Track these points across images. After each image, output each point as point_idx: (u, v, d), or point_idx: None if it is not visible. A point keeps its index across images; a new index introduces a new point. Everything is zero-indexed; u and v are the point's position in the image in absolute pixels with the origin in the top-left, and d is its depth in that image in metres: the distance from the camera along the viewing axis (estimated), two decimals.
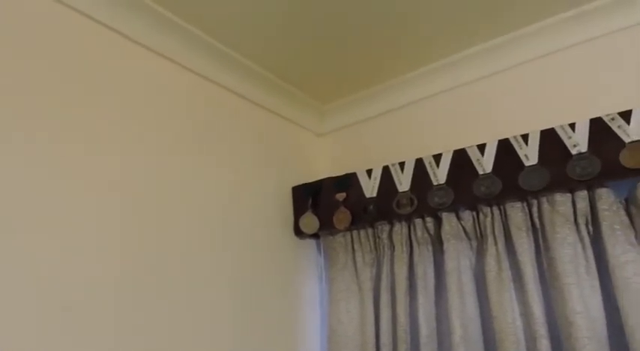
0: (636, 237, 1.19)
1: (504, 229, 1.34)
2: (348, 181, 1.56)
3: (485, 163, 1.34)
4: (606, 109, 1.23)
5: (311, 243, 1.71)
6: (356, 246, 1.57)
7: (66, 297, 1.02)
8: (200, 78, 1.47)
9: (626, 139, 1.17)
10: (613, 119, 1.20)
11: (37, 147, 1.04)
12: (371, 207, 1.49)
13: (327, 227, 1.57)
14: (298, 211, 1.63)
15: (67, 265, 1.03)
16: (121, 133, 1.22)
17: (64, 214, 1.06)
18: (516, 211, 1.32)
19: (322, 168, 1.85)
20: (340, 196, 1.55)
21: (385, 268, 1.50)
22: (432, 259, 1.44)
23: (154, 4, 1.29)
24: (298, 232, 1.62)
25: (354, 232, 1.57)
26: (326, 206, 1.58)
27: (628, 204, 1.22)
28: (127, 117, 1.24)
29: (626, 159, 1.16)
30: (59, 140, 1.09)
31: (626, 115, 1.18)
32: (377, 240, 1.54)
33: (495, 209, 1.35)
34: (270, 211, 1.60)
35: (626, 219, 1.21)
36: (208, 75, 1.49)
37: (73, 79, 1.15)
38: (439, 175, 1.40)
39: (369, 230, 1.56)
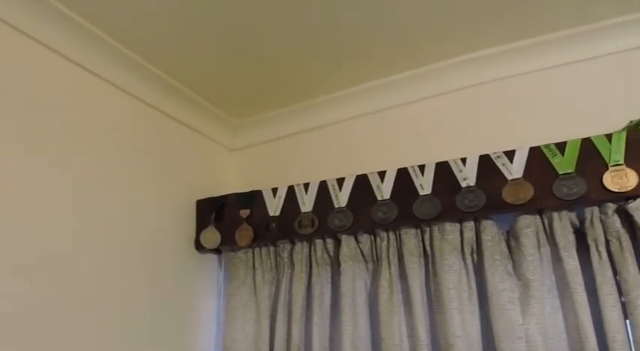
0: (513, 267, 1.29)
1: (398, 253, 1.39)
2: (253, 198, 1.56)
3: (384, 190, 1.40)
4: (497, 145, 1.33)
5: (212, 258, 1.69)
6: (257, 263, 1.57)
7: None
8: (107, 84, 1.42)
9: (509, 177, 1.27)
10: (499, 157, 1.30)
11: None
12: (273, 225, 1.50)
13: (228, 243, 1.56)
14: (201, 225, 1.61)
15: None
16: (15, 133, 1.15)
17: None
18: (410, 238, 1.38)
19: (232, 183, 1.84)
20: (244, 212, 1.55)
21: (284, 287, 1.51)
22: (329, 279, 1.48)
23: (68, 10, 1.25)
24: (199, 246, 1.59)
25: (256, 250, 1.58)
26: (229, 222, 1.57)
27: (508, 236, 1.32)
28: (19, 116, 1.18)
29: (507, 195, 1.26)
30: None
31: (510, 155, 1.29)
32: (278, 258, 1.55)
33: (391, 234, 1.41)
34: (172, 223, 1.56)
35: (505, 250, 1.31)
36: (117, 82, 1.45)
37: None
38: (341, 198, 1.44)
39: (271, 248, 1.57)
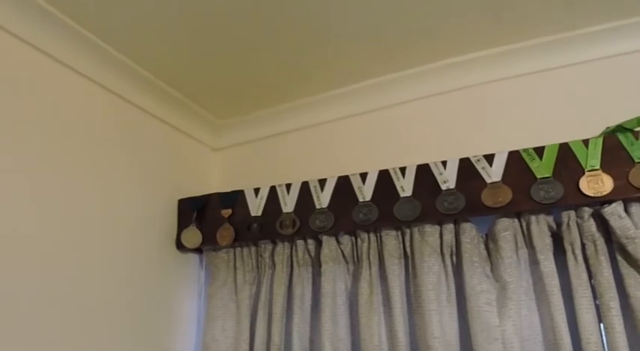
0: (491, 269, 1.30)
1: (379, 255, 1.40)
2: (235, 198, 1.56)
3: (365, 191, 1.40)
4: (477, 149, 1.35)
5: (193, 258, 1.68)
6: (238, 263, 1.57)
7: None
8: (90, 82, 1.41)
9: (488, 180, 1.29)
10: (478, 160, 1.31)
11: None
12: (255, 225, 1.50)
13: (210, 243, 1.56)
14: (182, 225, 1.60)
15: None
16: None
17: None
18: (391, 239, 1.39)
19: (214, 183, 1.84)
20: (226, 212, 1.55)
21: (264, 287, 1.51)
22: (310, 280, 1.48)
23: (51, 7, 1.24)
24: (180, 245, 1.59)
25: (238, 250, 1.57)
26: (211, 221, 1.57)
27: (487, 239, 1.33)
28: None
29: (486, 198, 1.27)
30: None
31: (489, 158, 1.31)
32: (259, 259, 1.55)
33: (372, 236, 1.42)
34: (153, 222, 1.55)
35: (484, 252, 1.32)
36: (101, 81, 1.43)
37: None
38: (322, 199, 1.45)
39: (253, 248, 1.56)
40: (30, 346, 1.13)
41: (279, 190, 1.51)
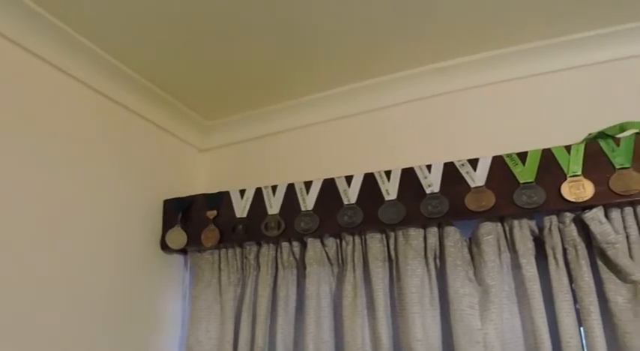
0: (474, 273, 1.31)
1: (363, 258, 1.41)
2: (220, 199, 1.56)
3: (350, 194, 1.41)
4: (461, 153, 1.36)
5: (178, 259, 1.68)
6: (222, 265, 1.57)
7: None
8: (79, 83, 1.40)
9: (472, 184, 1.30)
10: (463, 165, 1.32)
11: None
12: (240, 227, 1.50)
13: (194, 244, 1.55)
14: (167, 225, 1.60)
15: None
16: None
17: None
18: (375, 242, 1.39)
19: (201, 184, 1.84)
20: (211, 213, 1.55)
21: (249, 289, 1.51)
22: (295, 282, 1.48)
23: (39, 8, 1.23)
24: (165, 246, 1.58)
25: (222, 251, 1.57)
26: (196, 222, 1.56)
27: (471, 242, 1.34)
28: None
29: (470, 202, 1.28)
30: None
31: (473, 163, 1.32)
32: (244, 260, 1.55)
33: (357, 238, 1.42)
34: (138, 222, 1.55)
35: (467, 256, 1.33)
36: (88, 81, 1.43)
37: None
38: (308, 201, 1.45)
39: (238, 250, 1.56)
40: (13, 346, 1.12)
41: (264, 191, 1.51)
